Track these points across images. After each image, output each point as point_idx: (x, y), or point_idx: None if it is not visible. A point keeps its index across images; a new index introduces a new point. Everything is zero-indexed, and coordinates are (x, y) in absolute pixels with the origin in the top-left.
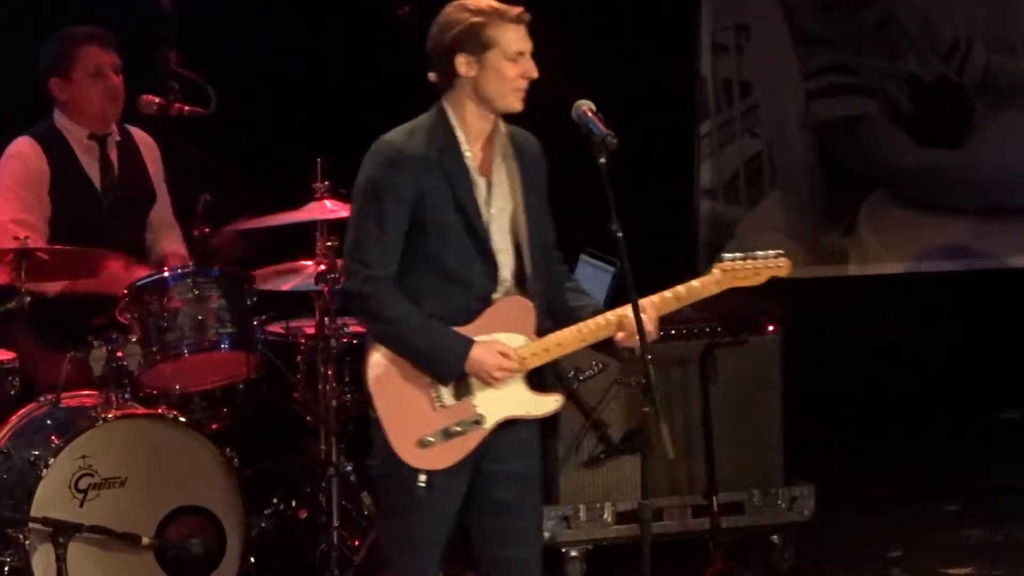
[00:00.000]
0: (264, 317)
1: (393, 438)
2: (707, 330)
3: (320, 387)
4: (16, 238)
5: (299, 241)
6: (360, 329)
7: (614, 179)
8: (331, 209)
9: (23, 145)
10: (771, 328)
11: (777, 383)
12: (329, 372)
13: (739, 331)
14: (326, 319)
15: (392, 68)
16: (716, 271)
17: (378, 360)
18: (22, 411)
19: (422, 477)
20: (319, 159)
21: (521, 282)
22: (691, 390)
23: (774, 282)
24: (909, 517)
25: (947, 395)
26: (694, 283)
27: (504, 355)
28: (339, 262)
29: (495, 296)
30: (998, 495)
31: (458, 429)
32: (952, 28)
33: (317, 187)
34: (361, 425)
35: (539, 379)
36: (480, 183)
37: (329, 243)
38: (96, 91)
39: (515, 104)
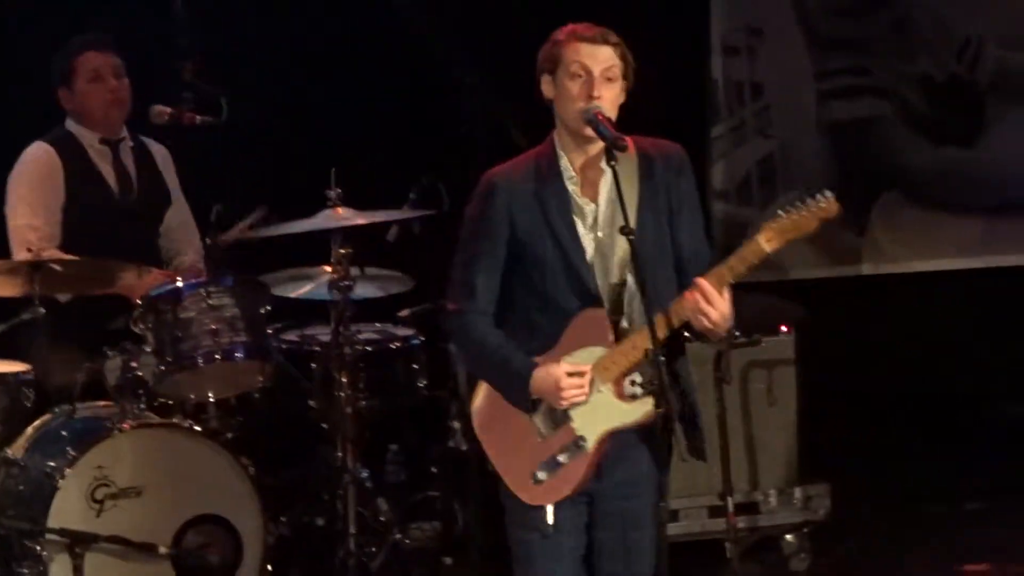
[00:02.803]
0: (279, 325)
1: (509, 481)
2: None
3: (335, 394)
4: (29, 249)
5: (313, 249)
6: (374, 336)
7: None
8: (344, 217)
9: (38, 149)
10: (785, 329)
11: (791, 383)
12: (344, 379)
13: (753, 332)
14: (340, 327)
15: (405, 76)
16: (766, 229)
17: (479, 407)
18: (37, 422)
19: (549, 513)
20: (333, 168)
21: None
22: (706, 391)
23: (785, 282)
24: (926, 517)
25: (963, 393)
26: (746, 250)
27: (571, 373)
28: (353, 269)
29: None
30: (1016, 494)
31: (563, 458)
32: (964, 27)
33: (330, 195)
34: (376, 432)
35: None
36: (586, 209)
37: (343, 251)
38: (97, 95)
39: (579, 128)
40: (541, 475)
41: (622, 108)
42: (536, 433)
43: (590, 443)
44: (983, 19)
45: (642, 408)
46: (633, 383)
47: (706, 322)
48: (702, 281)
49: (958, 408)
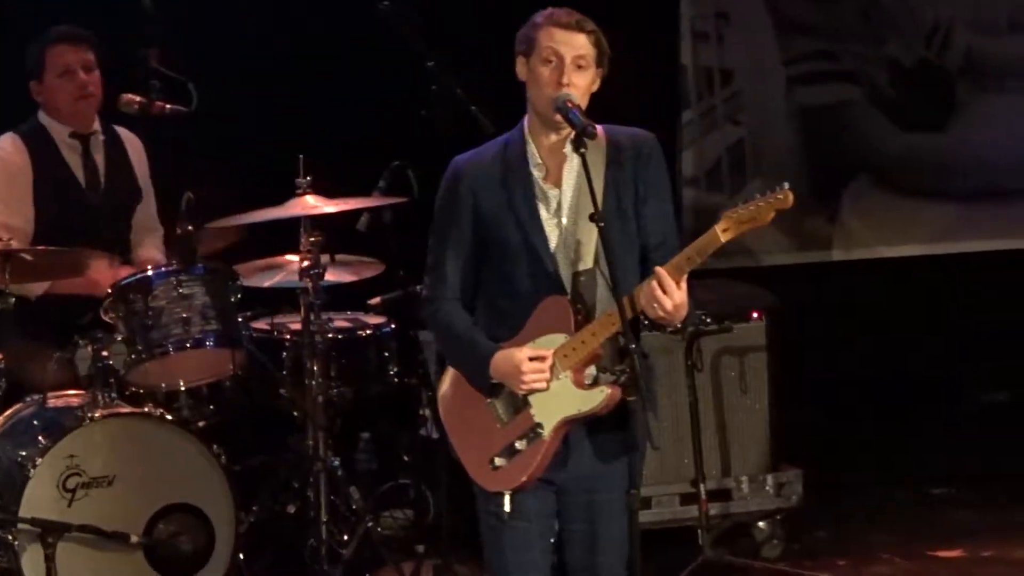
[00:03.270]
0: (249, 314)
1: (468, 466)
2: None
3: (306, 383)
4: None
5: (282, 237)
6: (345, 324)
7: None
8: (313, 205)
9: (5, 143)
10: (756, 315)
11: (763, 370)
12: (315, 368)
13: (724, 318)
14: (311, 315)
15: (374, 64)
16: (721, 221)
17: (444, 393)
18: (9, 412)
19: (507, 500)
20: (301, 155)
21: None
22: (678, 378)
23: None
24: (898, 502)
25: (932, 378)
26: (702, 241)
27: (532, 358)
28: (323, 257)
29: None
30: (986, 478)
31: (520, 444)
32: (933, 11)
33: (299, 183)
34: (348, 420)
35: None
36: (550, 194)
37: (312, 239)
38: (66, 90)
39: (549, 113)
40: (499, 461)
41: (593, 95)
42: (497, 419)
43: (547, 430)
44: (950, 4)
45: (600, 396)
46: (594, 370)
47: (660, 311)
48: (660, 270)
49: (929, 394)
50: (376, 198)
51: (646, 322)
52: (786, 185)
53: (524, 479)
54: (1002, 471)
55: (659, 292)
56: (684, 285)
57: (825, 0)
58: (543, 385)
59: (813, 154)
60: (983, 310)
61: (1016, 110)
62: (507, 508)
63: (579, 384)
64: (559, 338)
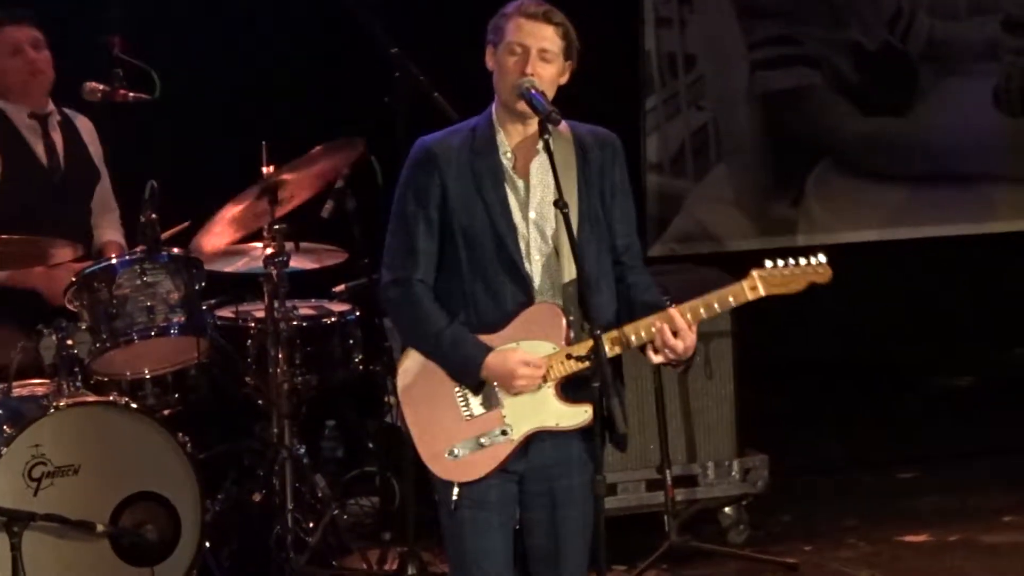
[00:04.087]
0: (213, 301)
1: (421, 449)
2: None
3: (271, 370)
4: None
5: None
6: (310, 312)
7: None
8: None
9: None
10: None
11: (728, 355)
12: (280, 356)
13: None
14: (275, 302)
15: (337, 50)
16: (753, 277)
17: (408, 368)
18: None
19: (455, 491)
20: (264, 143)
21: (566, 289)
22: (642, 363)
23: (720, 254)
24: (864, 486)
25: (897, 363)
26: (727, 293)
27: (527, 363)
28: (287, 244)
29: (530, 303)
30: (952, 462)
31: (485, 440)
32: None
33: (263, 171)
34: (313, 408)
35: (573, 389)
36: (519, 184)
37: (277, 226)
38: (16, 69)
39: (513, 102)
40: (458, 451)
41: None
42: (464, 410)
43: (515, 434)
44: None
45: (583, 416)
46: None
47: (670, 354)
48: (674, 313)
49: (895, 378)
50: (340, 185)
51: (648, 355)
52: (823, 258)
53: (476, 476)
54: (968, 455)
55: (669, 336)
56: (695, 328)
57: None
58: (534, 387)
59: (777, 139)
60: (948, 294)
61: (977, 94)
62: (454, 497)
63: (561, 398)
64: (546, 346)
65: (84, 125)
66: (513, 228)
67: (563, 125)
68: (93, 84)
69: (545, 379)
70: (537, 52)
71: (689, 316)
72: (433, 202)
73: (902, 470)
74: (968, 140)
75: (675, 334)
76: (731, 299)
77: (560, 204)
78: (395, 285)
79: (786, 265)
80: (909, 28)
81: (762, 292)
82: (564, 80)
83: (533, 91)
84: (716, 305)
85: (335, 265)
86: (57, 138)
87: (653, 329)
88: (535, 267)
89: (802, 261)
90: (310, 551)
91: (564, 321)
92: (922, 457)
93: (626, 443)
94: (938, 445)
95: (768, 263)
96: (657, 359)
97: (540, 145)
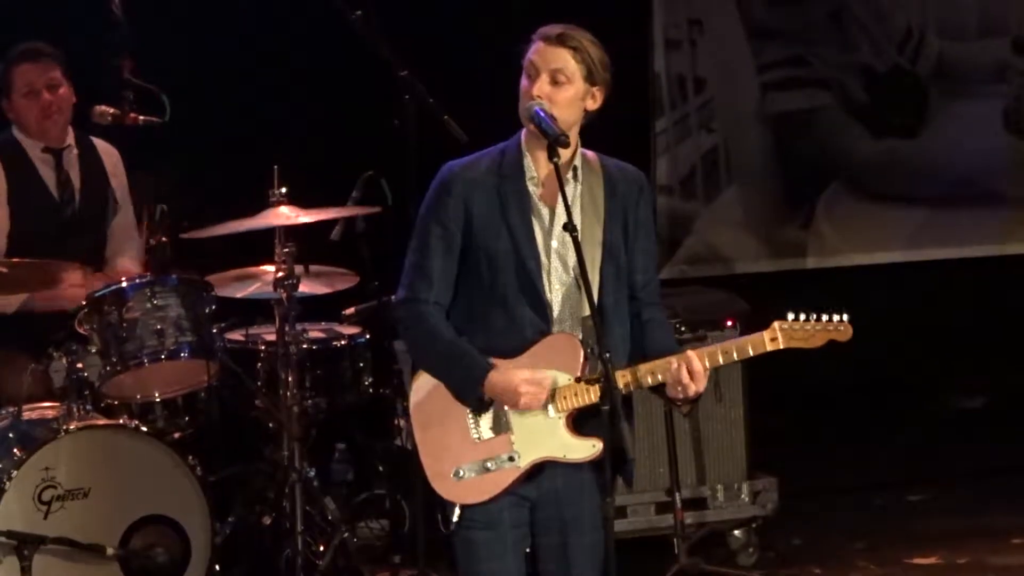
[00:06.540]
0: (223, 324)
1: (427, 466)
2: None
3: (281, 393)
4: None
5: (257, 248)
6: (320, 335)
7: None
8: (288, 215)
9: None
10: (730, 323)
11: (738, 378)
12: (290, 378)
13: (698, 326)
14: (286, 325)
15: (347, 74)
16: (775, 329)
17: (420, 384)
18: None
19: (456, 511)
20: (275, 166)
21: (585, 322)
22: None
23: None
24: (873, 508)
25: (907, 385)
26: (747, 343)
27: (530, 380)
28: (297, 268)
29: (548, 332)
30: (963, 485)
31: (491, 465)
32: (905, 17)
33: (274, 193)
34: (323, 431)
35: (583, 423)
36: (543, 212)
37: (287, 249)
38: (31, 110)
39: (527, 125)
40: (464, 472)
41: None
42: (473, 432)
43: (522, 462)
44: (921, 9)
45: (591, 450)
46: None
47: (682, 394)
48: (693, 356)
49: (905, 400)
50: (350, 208)
51: (659, 394)
52: (846, 317)
53: (479, 500)
54: (978, 477)
55: (685, 377)
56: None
57: (797, 6)
58: (538, 405)
59: (787, 161)
60: (958, 316)
61: (987, 116)
62: (454, 519)
63: (571, 431)
64: (562, 377)
65: (108, 155)
66: (536, 254)
67: (592, 156)
68: (103, 108)
69: (556, 407)
70: (549, 74)
71: (707, 361)
72: (455, 224)
73: (912, 492)
74: (978, 162)
75: (691, 374)
76: (750, 349)
77: (569, 227)
78: (406, 304)
79: (807, 320)
80: (919, 50)
81: (781, 345)
82: (592, 105)
83: (540, 112)
84: (735, 353)
85: (345, 289)
86: (74, 173)
87: (671, 368)
88: (555, 296)
89: (824, 318)
90: (320, 574)
91: (582, 353)
92: (932, 479)
93: (633, 474)
94: (949, 467)
95: (791, 316)
96: (670, 395)
97: (570, 174)
